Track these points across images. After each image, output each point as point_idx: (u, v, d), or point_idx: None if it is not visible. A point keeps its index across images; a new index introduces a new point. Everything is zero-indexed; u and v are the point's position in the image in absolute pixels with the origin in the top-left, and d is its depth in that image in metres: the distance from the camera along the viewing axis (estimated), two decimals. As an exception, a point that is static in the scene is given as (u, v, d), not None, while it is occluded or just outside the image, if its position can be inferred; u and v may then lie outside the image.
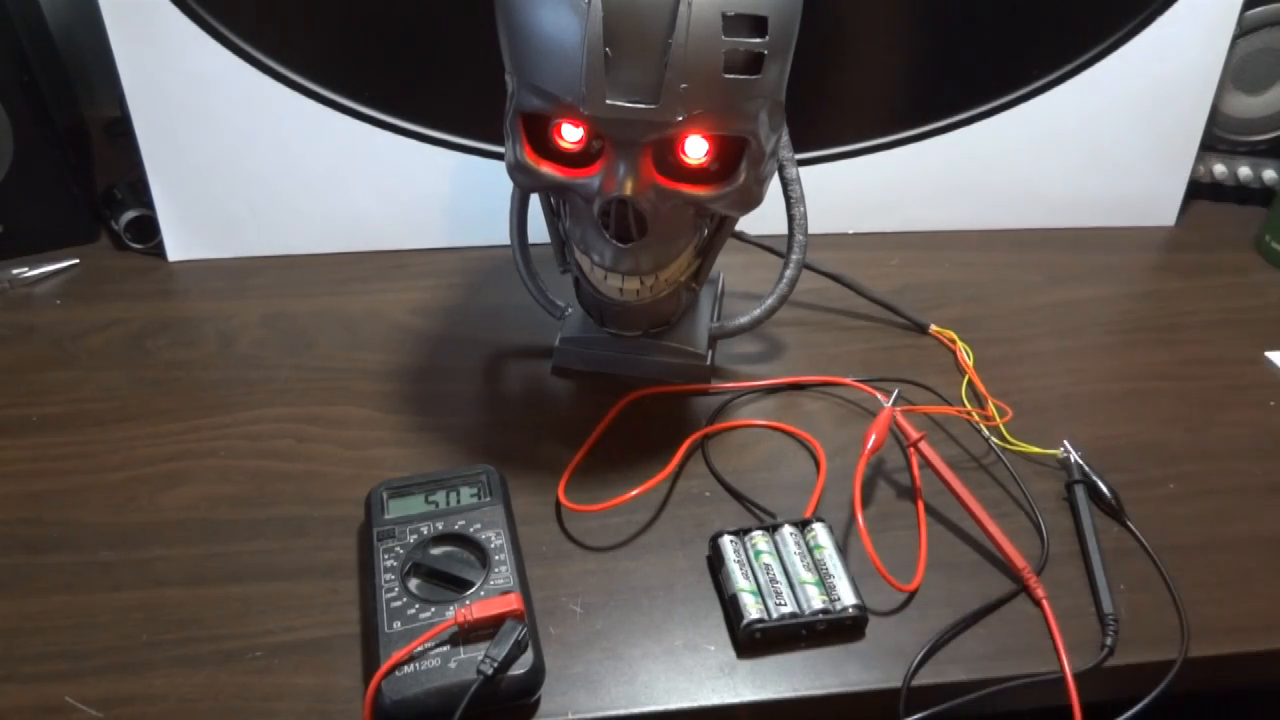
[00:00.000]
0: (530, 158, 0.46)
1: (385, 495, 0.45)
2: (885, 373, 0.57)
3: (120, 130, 0.72)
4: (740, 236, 0.60)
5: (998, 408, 0.54)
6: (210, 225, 0.66)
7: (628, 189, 0.44)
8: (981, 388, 0.56)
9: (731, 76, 0.41)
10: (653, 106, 0.41)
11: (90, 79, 0.80)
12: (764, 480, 0.50)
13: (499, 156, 0.66)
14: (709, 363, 0.56)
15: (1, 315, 0.61)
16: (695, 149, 0.45)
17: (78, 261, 0.66)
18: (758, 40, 0.41)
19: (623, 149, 0.43)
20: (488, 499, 0.45)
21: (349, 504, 0.48)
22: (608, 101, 0.41)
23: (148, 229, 0.66)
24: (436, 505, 0.44)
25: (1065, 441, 0.51)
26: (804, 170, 0.69)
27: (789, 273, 0.54)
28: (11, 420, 0.53)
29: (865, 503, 0.49)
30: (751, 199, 0.47)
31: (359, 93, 0.63)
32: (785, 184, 0.53)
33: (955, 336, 0.60)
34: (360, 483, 0.48)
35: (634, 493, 0.46)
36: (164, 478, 0.50)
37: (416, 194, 0.67)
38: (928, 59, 0.66)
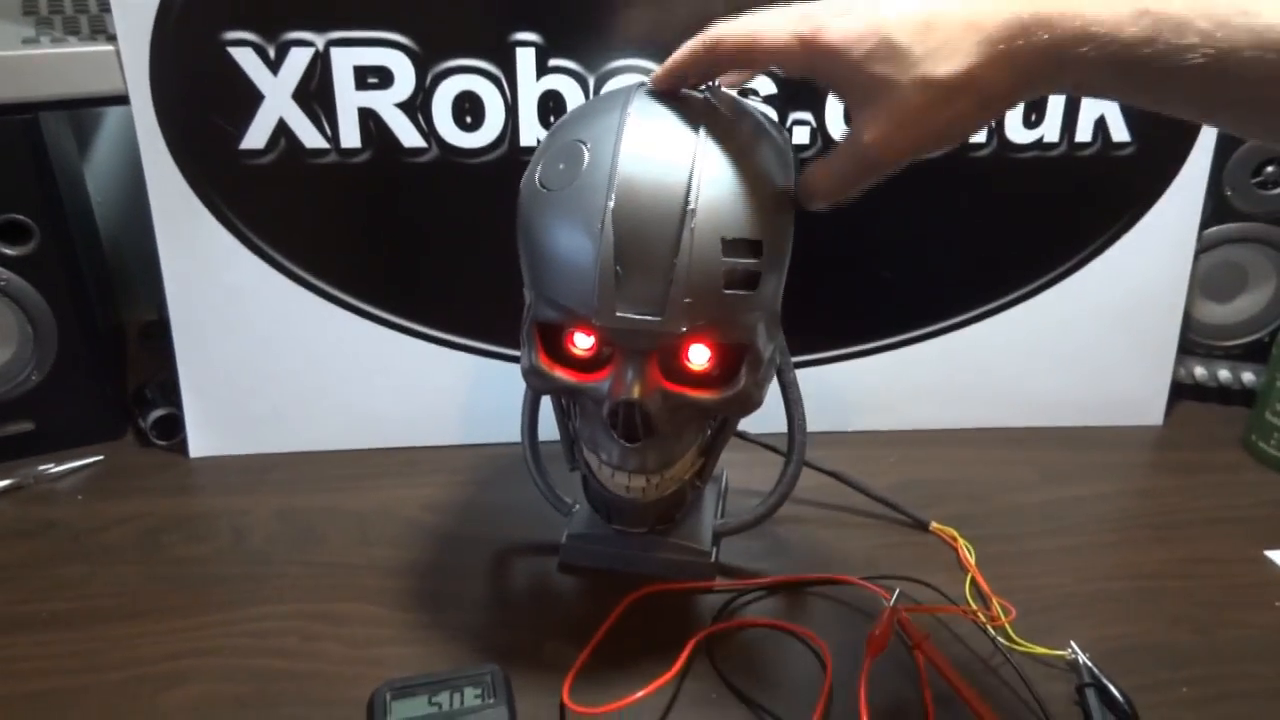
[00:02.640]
0: (544, 363, 0.49)
1: (389, 696, 0.45)
2: (887, 570, 0.58)
3: (154, 333, 0.77)
4: (743, 435, 0.62)
5: (1002, 607, 0.55)
6: (234, 423, 0.69)
7: (635, 393, 0.47)
8: (985, 586, 0.56)
9: (730, 292, 0.45)
10: (658, 319, 0.45)
11: (131, 285, 0.86)
12: (770, 681, 0.50)
13: (510, 359, 0.70)
14: (713, 559, 0.57)
15: (23, 510, 0.63)
16: (698, 356, 0.48)
17: (102, 458, 0.68)
18: (753, 261, 0.45)
19: (631, 356, 0.47)
20: (491, 700, 0.44)
21: (351, 705, 0.47)
22: (618, 314, 0.45)
23: (172, 426, 0.69)
24: (440, 707, 0.44)
25: (1072, 643, 0.51)
26: (803, 372, 0.72)
27: (790, 470, 0.56)
28: (21, 617, 0.53)
29: (873, 707, 0.48)
30: (751, 402, 0.50)
31: (384, 300, 0.68)
32: (784, 387, 0.56)
33: (956, 534, 0.61)
34: (364, 682, 0.47)
35: (639, 695, 0.46)
36: (166, 678, 0.49)
37: (431, 393, 0.70)
38: (917, 272, 0.71)
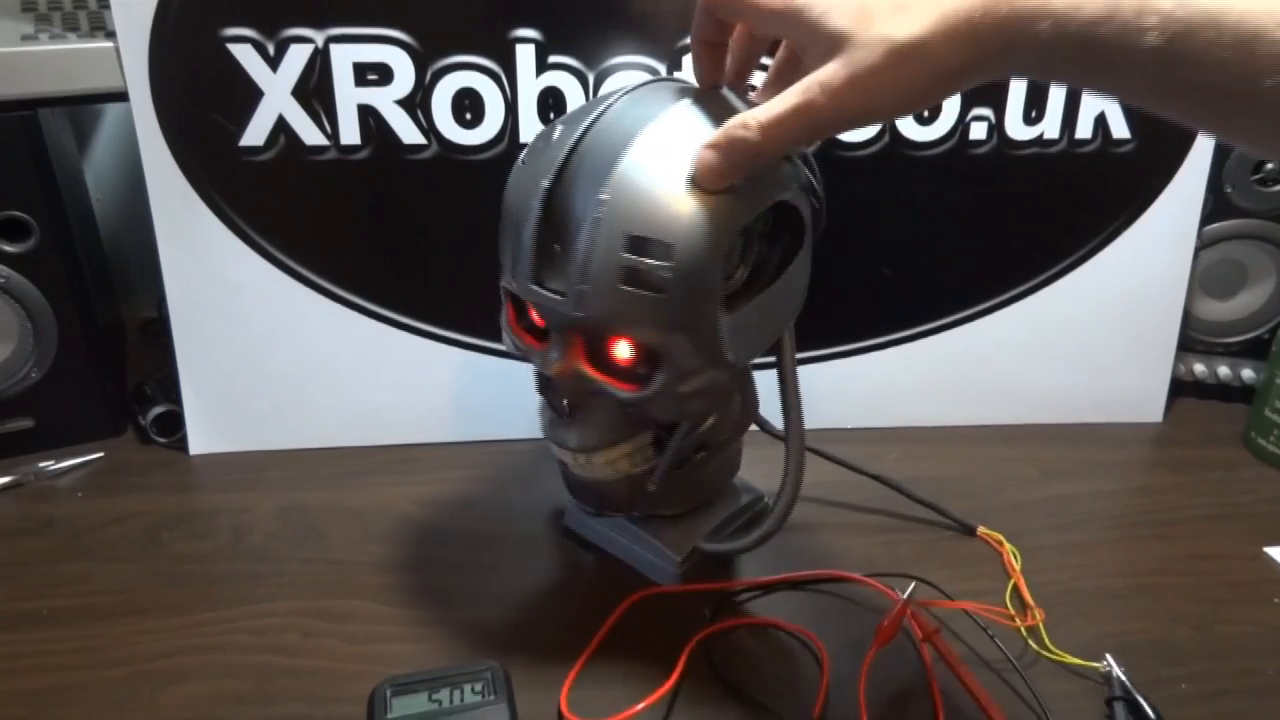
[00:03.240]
0: (511, 323, 0.51)
1: (389, 693, 0.45)
2: (889, 568, 0.58)
3: (154, 330, 0.77)
4: (762, 426, 0.61)
5: (1034, 612, 0.53)
6: (234, 420, 0.69)
7: (551, 368, 0.48)
8: (1026, 594, 0.55)
9: (628, 289, 0.44)
10: (560, 298, 0.46)
11: (131, 282, 0.86)
12: (770, 679, 0.50)
13: (510, 355, 0.70)
14: (678, 569, 0.56)
15: (23, 507, 0.63)
16: (621, 348, 0.48)
17: (102, 455, 0.68)
18: (659, 263, 0.43)
19: (559, 333, 0.48)
20: (491, 697, 0.45)
21: (352, 702, 0.47)
22: (530, 286, 0.47)
23: (172, 424, 0.69)
24: (440, 704, 0.44)
25: (1108, 656, 0.50)
26: (803, 369, 0.71)
27: (780, 506, 0.51)
28: (21, 614, 0.53)
29: (875, 703, 0.48)
30: (674, 409, 0.49)
31: (384, 298, 0.68)
32: (785, 412, 0.51)
33: (1003, 539, 0.60)
34: (364, 679, 0.48)
35: (639, 707, 0.46)
36: (166, 674, 0.49)
37: (430, 390, 0.70)
38: (917, 269, 0.71)
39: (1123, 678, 0.49)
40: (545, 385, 0.52)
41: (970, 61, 0.36)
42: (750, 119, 0.40)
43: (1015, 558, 0.59)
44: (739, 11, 0.43)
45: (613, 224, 0.44)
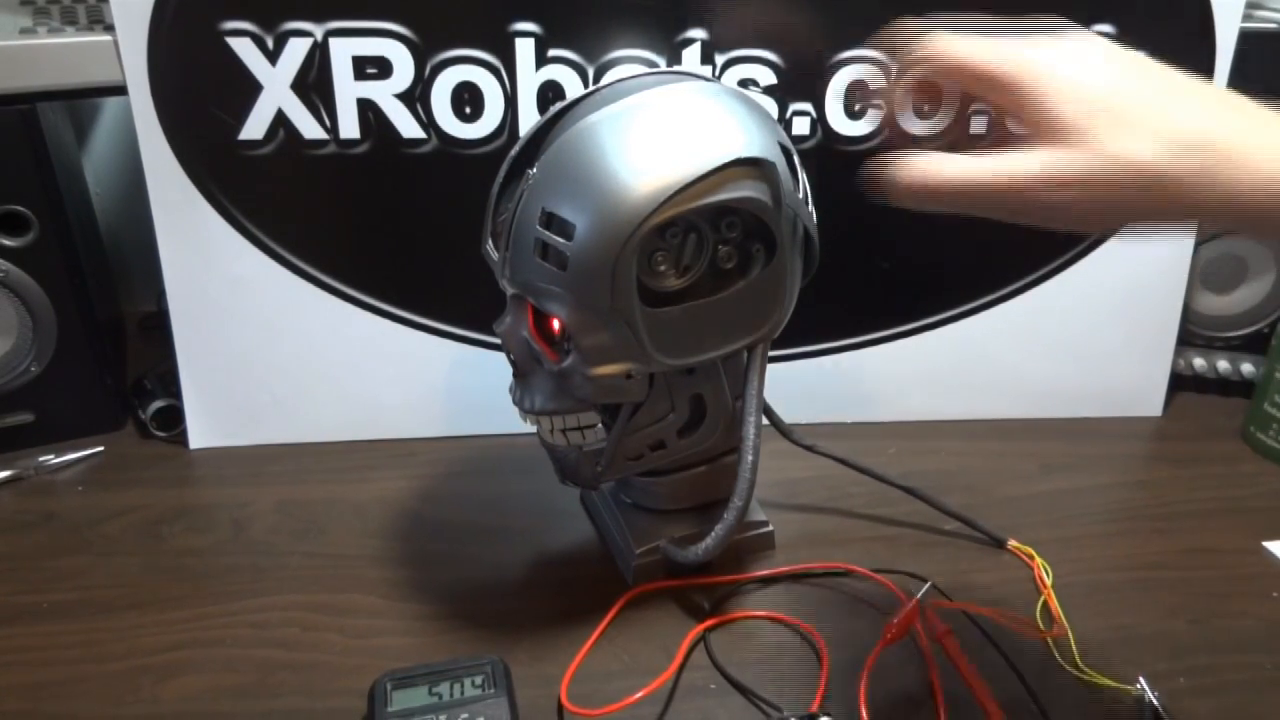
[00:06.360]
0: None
1: (389, 686, 0.45)
2: (889, 564, 0.58)
3: (154, 324, 0.77)
4: (785, 433, 0.60)
5: (1058, 626, 0.53)
6: (234, 414, 0.69)
7: (500, 328, 0.51)
8: (1056, 609, 0.54)
9: (540, 261, 0.46)
10: (496, 261, 0.49)
11: (130, 276, 0.85)
12: (771, 673, 0.50)
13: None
14: (635, 560, 0.55)
15: (24, 501, 0.63)
16: (555, 319, 0.48)
17: (102, 449, 0.68)
18: (562, 240, 0.45)
19: (515, 297, 0.50)
20: (491, 691, 0.45)
21: (352, 695, 0.47)
22: (484, 249, 0.50)
23: (172, 418, 0.69)
24: (440, 697, 0.44)
25: (1141, 679, 0.49)
26: (803, 363, 0.72)
27: (719, 530, 0.51)
28: (22, 607, 0.53)
29: (875, 700, 0.48)
30: (591, 389, 0.49)
31: (384, 291, 0.68)
32: (742, 420, 0.51)
33: (1034, 553, 0.59)
34: (364, 673, 0.48)
35: (638, 695, 0.46)
36: (167, 668, 0.50)
37: (430, 384, 0.70)
38: (916, 263, 0.71)
39: (1157, 703, 0.47)
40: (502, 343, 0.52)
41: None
42: (948, 163, 0.38)
43: (1047, 573, 0.57)
44: (953, 75, 0.39)
45: (535, 197, 0.45)
